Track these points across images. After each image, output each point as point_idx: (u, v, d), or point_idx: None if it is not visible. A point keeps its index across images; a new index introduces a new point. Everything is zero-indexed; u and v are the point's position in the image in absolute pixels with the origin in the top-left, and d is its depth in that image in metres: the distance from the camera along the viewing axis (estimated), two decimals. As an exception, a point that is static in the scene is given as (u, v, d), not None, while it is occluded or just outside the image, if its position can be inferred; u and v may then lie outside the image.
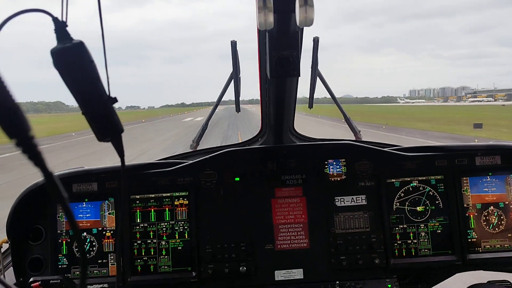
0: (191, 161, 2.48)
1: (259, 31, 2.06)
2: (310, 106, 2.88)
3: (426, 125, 30.50)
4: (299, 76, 1.96)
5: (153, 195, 2.44)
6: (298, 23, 1.42)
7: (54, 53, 0.90)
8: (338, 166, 2.48)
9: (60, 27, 0.90)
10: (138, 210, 2.43)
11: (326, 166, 2.48)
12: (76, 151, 21.01)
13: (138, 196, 2.44)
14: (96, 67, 0.94)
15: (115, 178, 2.41)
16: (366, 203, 2.46)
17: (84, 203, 2.42)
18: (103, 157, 16.86)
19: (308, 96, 2.73)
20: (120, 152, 1.08)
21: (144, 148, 20.52)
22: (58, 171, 2.42)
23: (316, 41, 2.46)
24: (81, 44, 0.91)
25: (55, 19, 0.90)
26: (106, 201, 2.43)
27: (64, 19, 0.91)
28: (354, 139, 2.98)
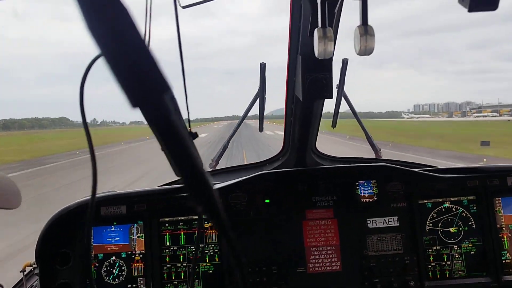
0: (222, 184, 2.47)
1: (289, 54, 2.12)
2: (334, 126, 2.89)
3: (432, 142, 30.37)
4: (332, 98, 1.98)
5: (182, 218, 2.43)
6: (357, 52, 1.41)
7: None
8: (369, 187, 2.47)
9: None
10: (167, 233, 2.42)
11: (357, 187, 2.47)
12: (80, 170, 20.96)
13: (167, 219, 2.42)
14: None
15: (144, 201, 2.40)
16: (398, 224, 2.44)
17: (112, 226, 2.40)
18: (107, 180, 16.95)
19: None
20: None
21: (147, 168, 20.45)
22: (85, 196, 2.41)
23: (345, 62, 2.50)
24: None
25: None
26: (135, 224, 2.41)
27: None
28: (375, 157, 3.01)
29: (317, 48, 1.45)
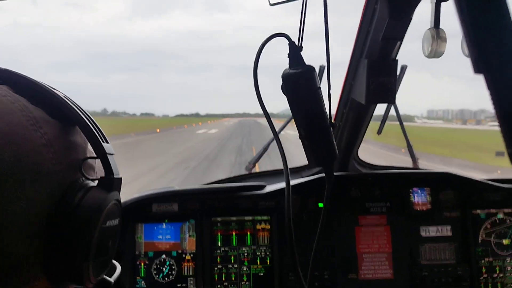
0: (275, 186, 2.47)
1: (352, 57, 2.13)
2: (379, 132, 2.91)
3: (445, 150, 29.96)
4: (395, 103, 2.09)
5: (234, 218, 2.42)
6: (426, 54, 1.45)
7: (286, 77, 0.95)
8: (423, 195, 2.46)
9: (296, 52, 0.95)
10: (219, 233, 2.41)
11: (411, 195, 2.47)
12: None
13: (219, 219, 2.42)
14: (321, 94, 0.98)
15: (197, 199, 2.40)
16: (451, 234, 2.42)
17: (164, 224, 2.40)
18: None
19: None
20: (329, 180, 1.14)
21: (158, 162, 20.40)
22: (141, 193, 2.43)
23: (403, 69, 2.51)
24: (312, 70, 0.95)
25: (291, 44, 0.95)
26: (187, 223, 2.40)
27: (300, 44, 0.95)
28: (412, 166, 3.00)
29: (428, 48, 1.45)
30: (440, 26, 1.49)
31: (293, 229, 2.26)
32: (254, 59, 0.99)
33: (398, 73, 2.03)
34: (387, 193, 2.47)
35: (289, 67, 0.98)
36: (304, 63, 0.98)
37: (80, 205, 0.69)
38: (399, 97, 1.99)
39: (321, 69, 2.41)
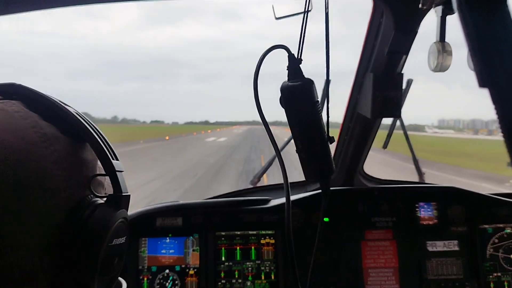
0: (279, 201, 2.47)
1: (357, 72, 2.14)
2: (385, 146, 2.89)
3: (457, 160, 29.64)
4: (400, 117, 2.08)
5: (239, 233, 2.42)
6: (432, 68, 1.46)
7: (285, 90, 0.95)
8: (429, 210, 2.46)
9: (295, 64, 0.95)
10: (223, 248, 2.40)
11: (417, 209, 2.46)
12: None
13: (223, 233, 2.41)
14: (320, 107, 0.97)
15: (201, 213, 2.41)
16: (459, 249, 2.41)
17: (167, 238, 2.40)
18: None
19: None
20: (325, 195, 1.12)
21: (163, 170, 20.40)
22: (146, 206, 2.44)
23: (409, 83, 2.49)
24: (311, 83, 0.94)
25: (291, 56, 0.95)
26: (191, 237, 2.40)
27: (300, 57, 0.95)
28: (418, 180, 2.98)
29: (434, 62, 1.45)
30: (446, 40, 1.49)
31: (297, 244, 2.25)
32: (254, 72, 0.99)
33: (404, 86, 2.01)
34: (393, 208, 2.46)
35: (288, 79, 0.98)
36: (303, 76, 0.98)
37: (88, 222, 0.70)
38: (409, 106, 1.99)
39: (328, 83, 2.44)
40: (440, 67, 1.46)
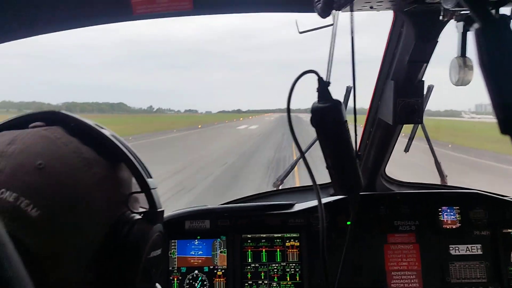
0: (305, 205, 2.52)
1: (378, 79, 2.18)
2: (407, 150, 2.92)
3: (495, 146, 28.09)
4: (422, 123, 2.09)
5: (264, 235, 2.48)
6: (453, 82, 1.48)
7: (314, 111, 1.02)
8: (452, 214, 2.47)
9: (324, 87, 1.01)
10: (249, 250, 2.47)
11: (440, 213, 2.48)
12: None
13: (249, 236, 2.49)
14: (347, 126, 1.03)
15: (228, 217, 2.49)
16: (482, 252, 2.42)
17: (196, 240, 2.48)
18: (151, 165, 16.80)
19: None
20: (353, 208, 1.19)
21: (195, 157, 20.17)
22: (174, 210, 2.52)
23: (430, 88, 2.49)
24: (339, 104, 1.00)
25: (320, 79, 1.01)
26: (218, 239, 2.48)
27: (329, 80, 1.02)
28: (440, 183, 2.98)
29: (456, 77, 1.48)
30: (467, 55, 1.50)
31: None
32: (287, 95, 1.01)
33: (424, 93, 2.03)
34: (415, 212, 2.48)
35: (318, 101, 1.02)
36: (332, 97, 1.01)
37: (128, 238, 0.77)
38: (445, 92, 2.00)
39: (348, 89, 2.43)
40: (462, 82, 1.47)
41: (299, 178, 10.30)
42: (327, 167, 1.09)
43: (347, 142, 1.05)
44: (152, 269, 0.82)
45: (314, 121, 1.04)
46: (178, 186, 12.54)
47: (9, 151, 0.71)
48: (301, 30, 1.33)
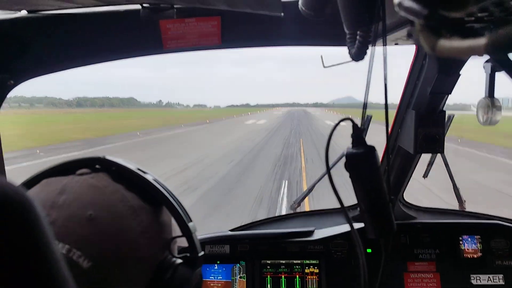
0: (325, 233, 2.53)
1: (399, 108, 2.18)
2: (426, 176, 2.86)
3: (506, 140, 27.61)
4: (443, 152, 2.09)
5: (283, 261, 2.49)
6: (481, 122, 1.52)
7: (349, 156, 1.02)
8: (473, 243, 2.46)
9: (358, 133, 1.03)
10: (268, 276, 2.47)
11: (461, 242, 2.46)
12: (133, 153, 20.84)
13: (269, 262, 2.49)
14: (381, 171, 1.04)
15: (247, 243, 2.50)
16: (503, 283, 2.40)
17: (216, 265, 2.49)
18: (157, 162, 16.63)
19: None
20: (386, 250, 1.24)
21: (203, 154, 19.97)
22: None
23: (451, 118, 2.39)
24: (373, 150, 1.02)
25: (355, 126, 1.03)
26: (238, 265, 2.48)
27: (363, 126, 1.04)
28: (458, 208, 2.95)
29: (484, 117, 1.50)
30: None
31: (341, 274, 2.41)
32: (325, 146, 1.02)
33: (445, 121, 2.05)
34: (436, 240, 2.48)
35: (352, 146, 1.04)
36: (366, 143, 1.03)
37: (171, 283, 0.78)
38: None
39: (368, 118, 2.38)
40: (490, 122, 1.49)
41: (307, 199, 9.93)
42: (360, 211, 1.11)
43: (381, 186, 1.05)
44: None
45: (348, 167, 1.04)
46: (184, 185, 12.34)
47: (60, 201, 0.72)
48: (326, 65, 1.35)
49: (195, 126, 45.12)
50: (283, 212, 9.30)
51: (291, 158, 18.25)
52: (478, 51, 0.58)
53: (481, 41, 0.56)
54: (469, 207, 2.82)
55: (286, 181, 12.90)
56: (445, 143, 2.03)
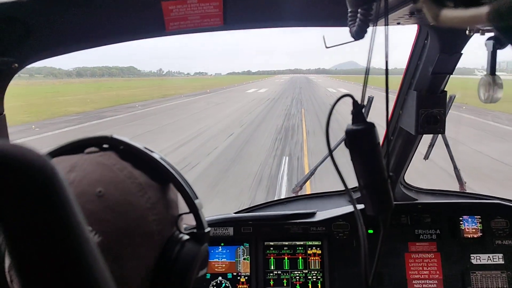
0: (326, 215, 2.53)
1: (400, 89, 2.18)
2: (426, 158, 2.94)
3: (510, 105, 26.82)
4: (444, 133, 2.09)
5: (286, 243, 2.51)
6: (482, 99, 1.51)
7: (349, 133, 1.01)
8: (473, 223, 2.48)
9: (358, 109, 1.01)
10: (272, 257, 2.50)
11: (461, 222, 2.49)
12: (130, 128, 20.35)
13: (272, 243, 2.51)
14: (380, 148, 1.04)
15: (250, 225, 2.52)
16: (503, 262, 2.43)
17: (220, 247, 2.51)
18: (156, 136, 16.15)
19: None
20: (384, 228, 1.15)
21: (202, 126, 19.49)
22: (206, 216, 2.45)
23: (452, 98, 2.49)
24: (372, 127, 1.01)
25: (355, 102, 1.01)
26: (241, 246, 2.51)
27: (362, 103, 1.02)
28: (459, 190, 3.02)
29: (485, 94, 1.51)
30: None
31: (343, 255, 2.44)
32: (325, 122, 1.00)
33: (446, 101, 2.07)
34: (436, 221, 2.50)
35: (352, 123, 1.03)
36: (365, 120, 1.03)
37: (178, 258, 0.81)
38: None
39: (370, 100, 2.48)
40: (491, 99, 1.49)
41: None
42: (359, 188, 1.09)
43: (380, 163, 1.04)
44: None
45: (348, 143, 1.03)
46: (183, 162, 11.92)
47: (71, 179, 0.74)
48: (328, 45, 1.36)
49: (195, 97, 44.40)
50: (283, 193, 9.06)
51: (292, 131, 17.79)
52: (480, 20, 0.58)
53: (483, 9, 0.57)
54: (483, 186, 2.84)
55: (287, 158, 12.45)
56: (451, 111, 2.08)
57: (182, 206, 0.87)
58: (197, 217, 0.85)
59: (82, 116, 26.14)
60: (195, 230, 0.86)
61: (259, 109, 28.41)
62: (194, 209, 0.85)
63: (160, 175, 0.82)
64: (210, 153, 13.61)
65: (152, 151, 0.84)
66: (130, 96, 44.47)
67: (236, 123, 21.09)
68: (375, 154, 1.01)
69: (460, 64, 2.08)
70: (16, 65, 1.51)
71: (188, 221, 0.87)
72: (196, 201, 0.85)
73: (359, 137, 1.01)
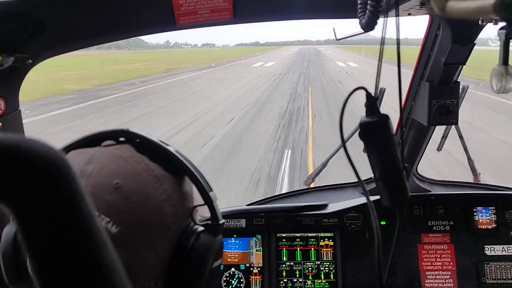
0: (339, 206, 2.56)
1: (412, 80, 2.16)
2: (440, 149, 2.94)
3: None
4: (457, 124, 2.08)
5: (299, 234, 2.54)
6: (495, 90, 1.44)
7: (362, 125, 1.00)
8: (487, 214, 2.47)
9: (372, 102, 1.00)
10: (284, 249, 2.54)
11: (475, 213, 2.49)
12: (125, 111, 19.08)
13: (284, 235, 2.55)
14: (394, 140, 1.04)
15: (263, 217, 2.55)
16: None
17: (232, 238, 2.56)
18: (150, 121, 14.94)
19: None
20: (400, 219, 1.14)
21: (202, 109, 18.21)
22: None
23: (465, 88, 2.47)
24: (386, 119, 1.01)
25: (368, 94, 1.00)
26: (254, 238, 2.55)
27: (377, 94, 1.01)
28: (473, 181, 2.98)
29: (497, 85, 1.43)
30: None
31: (355, 246, 2.51)
32: (339, 113, 0.98)
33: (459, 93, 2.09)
34: (450, 212, 2.51)
35: (366, 115, 1.03)
36: (379, 112, 1.02)
37: (193, 249, 0.81)
38: None
39: (382, 91, 2.43)
40: (504, 90, 1.42)
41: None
42: (375, 179, 1.07)
43: (395, 155, 1.04)
44: (214, 278, 0.87)
45: (362, 135, 1.03)
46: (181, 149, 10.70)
47: (88, 171, 0.76)
48: (338, 37, 1.41)
49: (199, 72, 42.93)
50: (284, 189, 8.25)
51: (297, 115, 16.49)
52: (487, 11, 0.58)
53: (490, 0, 0.57)
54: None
55: (289, 151, 11.19)
56: (469, 89, 2.17)
57: (197, 198, 0.88)
58: (212, 208, 0.87)
59: (78, 95, 25.04)
60: (209, 222, 0.87)
61: (264, 86, 27.03)
62: (208, 201, 0.87)
63: (175, 167, 0.84)
64: (205, 143, 12.28)
65: (167, 144, 0.87)
66: (132, 71, 43.30)
67: (238, 104, 19.78)
68: (390, 145, 1.02)
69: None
70: (31, 61, 1.50)
71: (203, 213, 0.88)
72: (211, 193, 0.87)
73: (373, 129, 1.01)
